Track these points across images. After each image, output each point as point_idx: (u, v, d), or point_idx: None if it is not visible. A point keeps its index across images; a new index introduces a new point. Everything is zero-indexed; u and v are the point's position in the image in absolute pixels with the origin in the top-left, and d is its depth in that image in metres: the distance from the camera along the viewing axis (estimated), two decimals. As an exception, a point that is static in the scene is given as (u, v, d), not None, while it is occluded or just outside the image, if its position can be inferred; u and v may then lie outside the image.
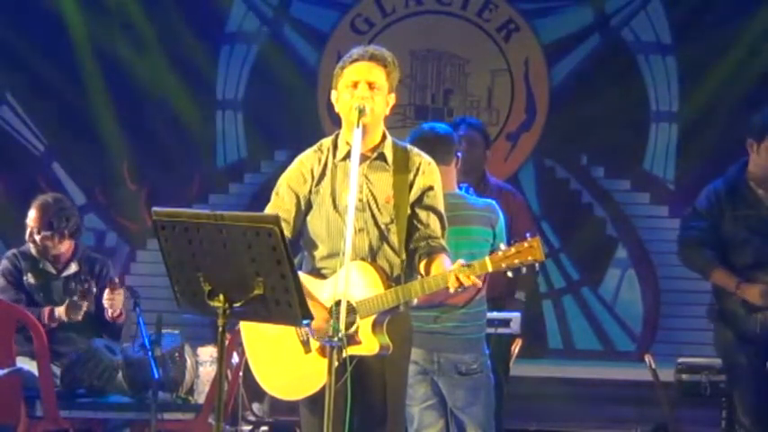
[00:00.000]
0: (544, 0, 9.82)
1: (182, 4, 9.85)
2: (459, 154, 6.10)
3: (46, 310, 7.04)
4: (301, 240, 5.13)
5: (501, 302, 6.62)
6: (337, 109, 5.04)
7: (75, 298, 6.99)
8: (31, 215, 7.21)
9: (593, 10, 9.75)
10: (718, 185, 6.90)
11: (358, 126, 4.87)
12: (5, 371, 6.75)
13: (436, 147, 5.78)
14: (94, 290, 7.05)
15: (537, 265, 4.86)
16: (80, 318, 7.01)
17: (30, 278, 7.21)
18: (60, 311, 7.02)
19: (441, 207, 5.09)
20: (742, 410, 6.81)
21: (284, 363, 4.97)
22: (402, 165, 5.05)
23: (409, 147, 5.15)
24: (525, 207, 7.09)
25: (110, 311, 6.97)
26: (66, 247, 7.24)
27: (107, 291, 6.96)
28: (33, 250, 7.23)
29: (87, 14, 9.88)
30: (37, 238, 7.18)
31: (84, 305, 6.99)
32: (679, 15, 9.63)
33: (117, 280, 7.09)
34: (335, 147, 5.07)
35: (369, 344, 4.87)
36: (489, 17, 9.83)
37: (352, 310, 4.84)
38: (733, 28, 9.46)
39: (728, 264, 6.75)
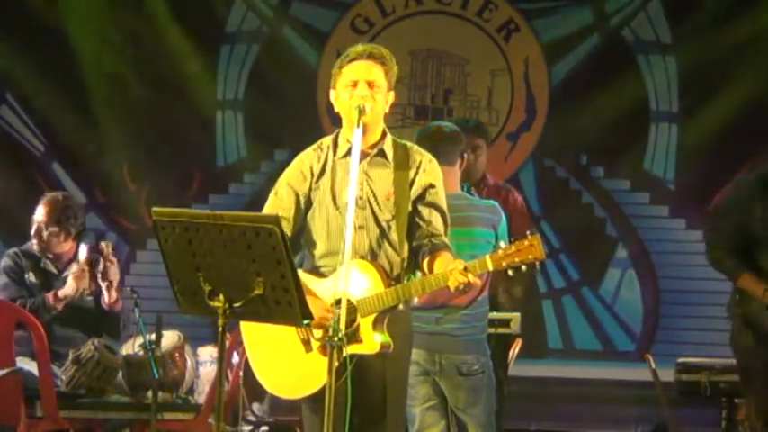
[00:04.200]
0: (544, 0, 9.82)
1: (182, 4, 9.85)
2: (465, 155, 6.09)
3: (50, 294, 7.05)
4: (302, 239, 5.12)
5: (495, 300, 6.57)
6: (337, 108, 5.04)
7: (78, 267, 7.01)
8: (40, 211, 7.21)
9: (593, 10, 9.76)
10: (751, 178, 6.85)
11: (358, 126, 4.87)
12: (5, 371, 6.75)
13: (441, 146, 5.78)
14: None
15: (537, 263, 4.85)
16: (86, 285, 7.01)
17: (31, 276, 7.22)
18: (66, 289, 7.02)
19: (443, 204, 5.08)
20: (754, 413, 6.80)
21: (285, 362, 4.97)
22: (402, 162, 5.04)
23: (410, 144, 5.15)
24: (524, 205, 7.08)
25: (104, 285, 6.97)
26: (69, 246, 7.24)
27: (100, 261, 6.97)
28: (37, 247, 7.22)
29: (88, 15, 9.88)
30: (44, 234, 7.18)
31: (87, 270, 6.99)
32: (679, 15, 9.63)
33: (110, 245, 7.09)
34: (336, 145, 5.07)
35: (369, 342, 4.87)
36: (489, 17, 9.84)
37: (352, 309, 4.84)
38: (732, 27, 9.46)
39: (755, 264, 6.72)
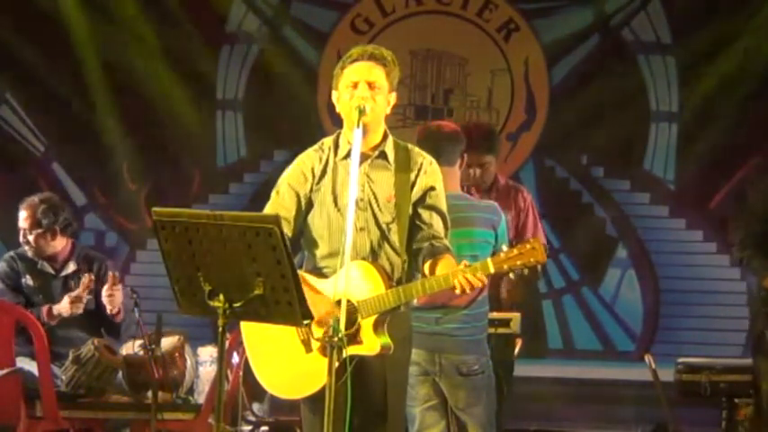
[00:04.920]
0: (544, 0, 9.83)
1: (182, 5, 9.85)
2: (465, 155, 6.08)
3: (44, 308, 7.05)
4: (302, 239, 5.12)
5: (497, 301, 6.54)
6: (338, 109, 5.04)
7: (76, 292, 7.00)
8: (21, 216, 7.24)
9: (594, 10, 9.76)
10: None
11: (358, 126, 4.87)
12: (5, 371, 6.75)
13: (441, 146, 5.78)
14: (93, 285, 7.06)
15: (540, 267, 4.87)
16: (81, 311, 7.01)
17: (28, 279, 7.22)
18: (60, 308, 7.02)
19: (443, 207, 5.08)
20: (757, 413, 6.78)
21: (285, 362, 4.97)
22: (404, 163, 5.05)
23: (411, 146, 5.15)
24: (533, 203, 7.06)
25: (109, 308, 6.98)
26: (61, 244, 7.24)
27: (106, 286, 6.98)
28: (29, 252, 7.23)
29: (87, 14, 9.88)
30: (30, 238, 7.19)
31: (85, 297, 6.99)
32: (679, 15, 9.63)
33: (117, 275, 7.10)
34: (337, 146, 5.07)
35: (370, 344, 4.87)
36: (489, 17, 9.84)
37: (353, 310, 4.84)
38: (732, 28, 9.46)
39: None
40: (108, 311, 7.01)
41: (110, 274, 7.08)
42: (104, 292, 6.98)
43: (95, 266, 7.29)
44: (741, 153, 9.42)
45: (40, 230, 7.19)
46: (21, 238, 7.25)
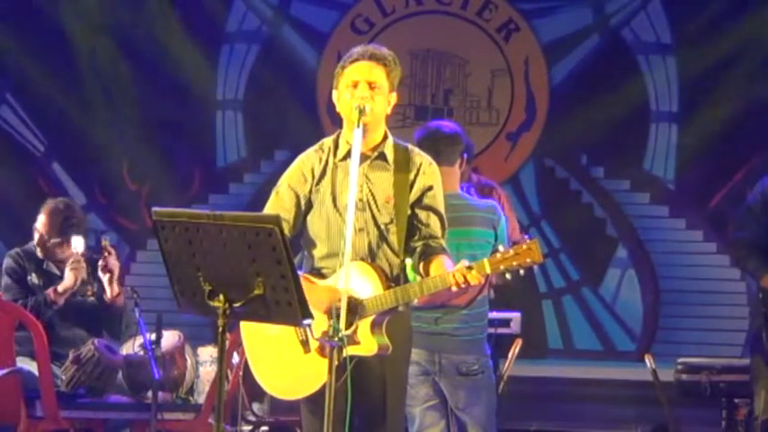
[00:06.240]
0: (544, 0, 9.83)
1: (182, 4, 9.85)
2: (465, 155, 6.08)
3: (50, 290, 7.03)
4: (301, 240, 5.12)
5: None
6: (338, 109, 5.04)
7: (72, 260, 6.99)
8: (41, 220, 7.18)
9: (593, 10, 9.77)
10: None
11: (358, 126, 4.86)
12: (5, 371, 6.75)
13: (441, 146, 5.79)
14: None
15: (536, 267, 4.87)
16: (85, 274, 6.99)
17: (33, 278, 7.21)
18: (65, 282, 7.00)
19: (441, 207, 5.08)
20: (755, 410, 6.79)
21: (284, 362, 4.97)
22: (403, 164, 5.04)
23: (410, 147, 5.15)
24: (507, 201, 7.04)
25: (106, 284, 6.96)
26: (71, 250, 7.23)
27: (101, 258, 6.96)
28: (40, 254, 7.21)
29: (87, 14, 9.88)
30: (47, 244, 7.17)
31: (83, 262, 6.97)
32: (679, 15, 9.64)
33: (108, 240, 7.08)
34: (336, 146, 5.07)
35: (367, 344, 4.86)
36: (489, 17, 9.84)
37: (354, 308, 4.83)
38: (732, 27, 9.47)
39: None
40: (106, 285, 6.98)
41: (102, 238, 7.05)
42: (99, 263, 6.98)
43: (98, 262, 7.24)
44: (741, 153, 9.43)
45: (58, 240, 7.18)
46: (36, 241, 7.20)
